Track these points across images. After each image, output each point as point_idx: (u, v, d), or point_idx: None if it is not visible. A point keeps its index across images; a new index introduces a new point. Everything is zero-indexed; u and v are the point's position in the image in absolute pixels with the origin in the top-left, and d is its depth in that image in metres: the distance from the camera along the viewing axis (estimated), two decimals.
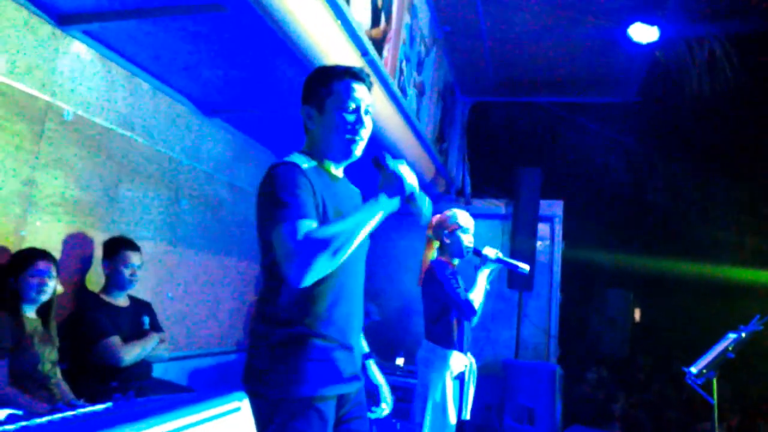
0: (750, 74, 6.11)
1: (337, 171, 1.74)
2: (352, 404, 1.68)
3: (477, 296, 2.83)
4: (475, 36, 5.14)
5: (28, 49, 2.63)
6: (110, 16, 2.69)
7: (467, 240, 2.98)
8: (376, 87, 3.52)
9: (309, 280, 1.43)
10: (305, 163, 1.60)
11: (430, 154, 5.11)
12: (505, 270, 5.74)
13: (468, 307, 2.81)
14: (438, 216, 3.06)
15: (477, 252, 2.94)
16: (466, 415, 2.91)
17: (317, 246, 1.41)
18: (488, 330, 5.57)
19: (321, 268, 1.43)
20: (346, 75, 1.66)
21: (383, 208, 1.55)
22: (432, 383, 2.83)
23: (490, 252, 2.90)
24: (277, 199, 1.47)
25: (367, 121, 1.68)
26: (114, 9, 2.66)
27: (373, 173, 1.62)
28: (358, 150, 1.68)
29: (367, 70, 3.29)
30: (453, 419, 2.78)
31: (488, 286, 2.92)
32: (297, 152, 1.68)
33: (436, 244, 3.04)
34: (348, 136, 1.64)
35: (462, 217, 3.02)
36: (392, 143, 4.05)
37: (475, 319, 2.91)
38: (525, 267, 2.89)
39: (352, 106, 1.64)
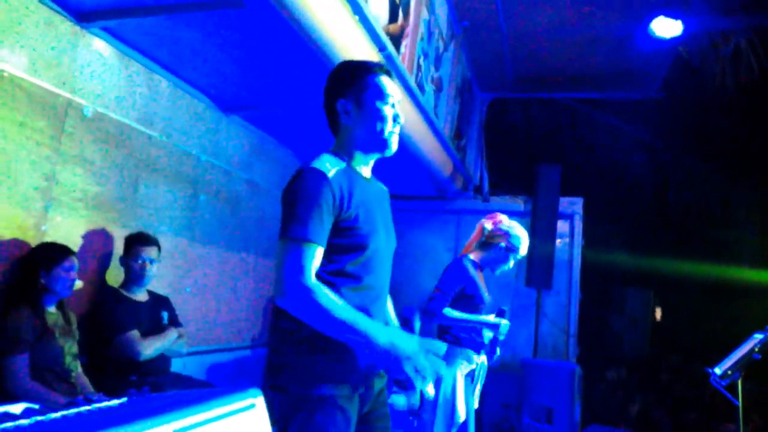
0: None
1: (366, 169, 1.75)
2: (376, 403, 1.68)
3: (453, 319, 2.79)
4: (493, 31, 5.08)
5: (48, 46, 2.66)
6: (129, 12, 2.71)
7: (509, 264, 2.95)
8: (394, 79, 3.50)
9: (290, 310, 1.48)
10: (335, 167, 1.59)
11: (448, 150, 5.07)
12: (523, 267, 5.69)
13: (435, 313, 2.79)
14: (508, 223, 2.98)
15: (501, 313, 2.84)
16: (474, 405, 2.91)
17: (306, 305, 1.43)
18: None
19: (297, 314, 1.46)
20: (381, 70, 1.70)
21: (384, 342, 1.43)
22: (443, 380, 2.82)
23: (503, 326, 2.81)
24: (294, 212, 1.49)
25: (402, 114, 1.72)
26: (133, 6, 2.68)
27: (379, 171, 1.60)
28: (395, 143, 1.71)
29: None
30: (462, 415, 2.78)
31: (484, 326, 2.85)
32: (326, 153, 1.67)
33: (486, 241, 2.98)
34: (389, 129, 1.68)
35: (524, 245, 2.95)
36: (410, 139, 4.03)
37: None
38: (497, 354, 2.85)
39: (390, 99, 1.68)
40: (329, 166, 1.58)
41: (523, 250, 2.94)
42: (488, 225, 2.98)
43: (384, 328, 1.46)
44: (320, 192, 1.51)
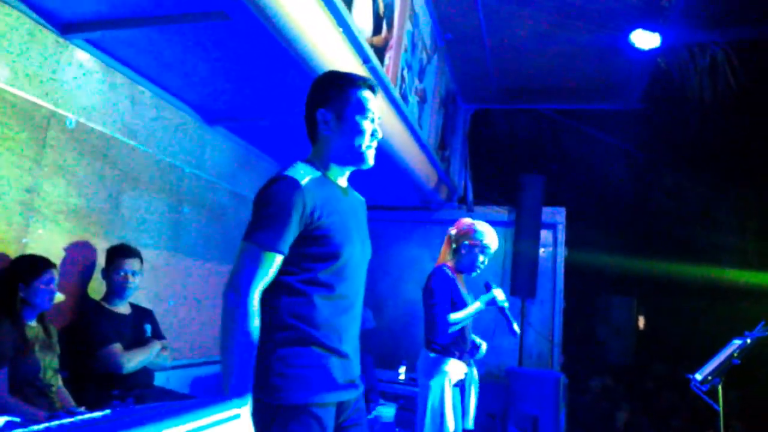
0: (752, 81, 6.10)
1: (342, 180, 1.76)
2: (351, 410, 1.68)
3: (459, 321, 2.81)
4: (476, 44, 5.15)
5: (31, 58, 2.65)
6: (113, 24, 2.70)
7: (483, 261, 2.96)
8: (378, 94, 3.52)
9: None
10: (308, 176, 1.61)
11: (432, 161, 5.11)
12: (507, 277, 5.73)
13: (442, 328, 2.79)
14: (468, 223, 3.02)
15: (488, 287, 2.91)
16: (469, 424, 2.89)
17: (229, 311, 1.46)
18: (491, 337, 5.53)
19: (222, 312, 1.48)
20: (364, 84, 1.73)
21: (232, 392, 1.41)
22: (431, 390, 2.82)
23: (499, 295, 2.88)
24: (261, 218, 1.53)
25: (380, 130, 1.74)
26: (117, 17, 2.68)
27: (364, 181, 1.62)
28: (372, 157, 1.73)
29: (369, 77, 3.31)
30: (451, 426, 2.76)
31: (482, 308, 2.89)
32: (302, 161, 1.69)
33: (454, 246, 3.01)
34: (366, 144, 1.70)
35: (489, 237, 2.97)
36: (394, 150, 4.05)
37: (466, 336, 2.92)
38: (517, 330, 2.91)
39: (371, 115, 1.70)
40: (303, 174, 1.60)
41: (490, 242, 2.96)
42: (452, 231, 3.04)
43: (246, 386, 1.43)
44: (291, 200, 1.53)
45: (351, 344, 1.68)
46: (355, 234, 1.70)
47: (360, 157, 1.71)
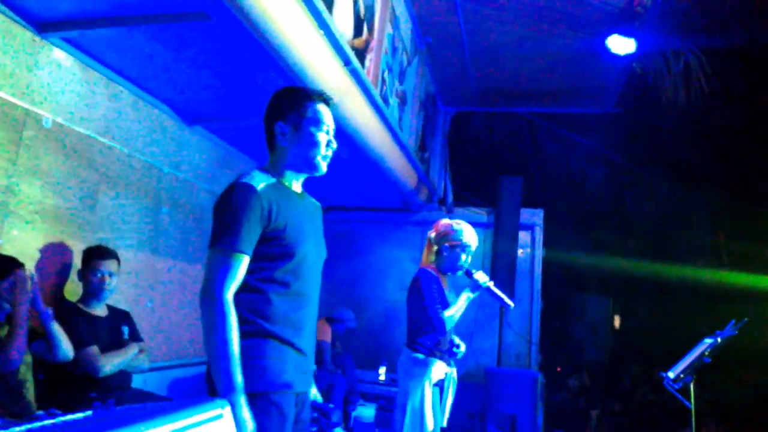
0: (722, 86, 6.26)
1: (297, 185, 1.87)
2: (303, 405, 1.80)
3: (453, 315, 2.84)
4: (456, 47, 5.19)
5: (7, 56, 2.61)
6: (91, 23, 2.68)
7: (465, 259, 2.99)
8: (359, 96, 3.54)
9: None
10: (263, 182, 1.70)
11: (412, 162, 5.14)
12: None
13: (440, 326, 2.82)
14: (446, 224, 3.03)
15: (468, 273, 2.94)
16: (442, 422, 2.92)
17: (210, 315, 1.55)
18: (470, 338, 5.58)
19: (203, 319, 1.57)
20: (320, 98, 1.84)
21: (227, 391, 1.51)
22: (411, 390, 2.83)
23: (480, 277, 2.90)
24: (224, 224, 1.62)
25: (334, 142, 1.86)
26: (95, 17, 2.65)
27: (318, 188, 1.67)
28: (324, 166, 1.84)
29: (350, 79, 3.33)
30: (431, 426, 2.78)
31: (471, 296, 2.92)
32: (257, 169, 1.79)
33: (435, 248, 3.04)
34: (321, 154, 1.81)
35: (467, 235, 2.99)
36: (374, 152, 4.07)
37: (447, 336, 2.94)
38: (510, 303, 2.93)
39: (325, 127, 1.82)
40: (258, 179, 1.70)
41: (469, 239, 2.98)
42: (432, 234, 3.07)
43: (239, 383, 1.52)
44: (249, 204, 1.62)
45: (306, 339, 1.77)
46: (311, 235, 1.81)
47: (314, 166, 1.82)
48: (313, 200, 1.98)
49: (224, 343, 1.52)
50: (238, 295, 1.63)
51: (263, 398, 1.60)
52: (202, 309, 1.57)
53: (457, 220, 3.07)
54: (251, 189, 1.65)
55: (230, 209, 1.62)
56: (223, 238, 1.60)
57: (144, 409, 0.94)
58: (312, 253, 1.79)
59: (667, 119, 7.29)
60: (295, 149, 1.79)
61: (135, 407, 0.99)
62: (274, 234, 1.67)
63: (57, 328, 2.59)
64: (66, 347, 2.65)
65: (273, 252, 1.67)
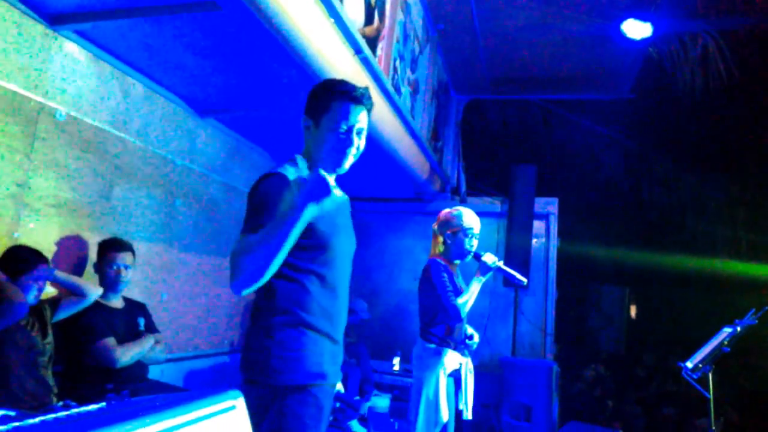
0: (741, 70, 6.12)
1: (330, 178, 1.77)
2: (331, 396, 1.79)
3: (466, 301, 2.83)
4: (468, 34, 5.13)
5: (20, 50, 2.62)
6: (102, 15, 2.68)
7: (470, 243, 2.97)
8: (370, 85, 3.51)
9: (243, 285, 1.49)
10: (298, 173, 1.68)
11: (425, 152, 5.10)
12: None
13: (454, 313, 2.80)
14: (445, 212, 3.04)
15: (477, 257, 2.92)
16: (467, 415, 2.91)
17: (245, 260, 1.46)
18: (484, 328, 5.56)
19: (248, 280, 1.47)
20: (347, 97, 1.72)
21: (300, 203, 1.47)
22: (425, 380, 2.83)
23: (489, 259, 2.88)
24: (256, 211, 1.60)
25: (357, 141, 1.75)
26: (106, 8, 2.65)
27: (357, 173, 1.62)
28: (346, 164, 1.77)
29: (361, 68, 3.30)
30: (445, 416, 2.77)
31: (483, 279, 2.90)
32: (298, 155, 1.79)
33: (440, 238, 3.03)
34: (335, 154, 1.74)
35: (467, 218, 2.98)
36: (387, 141, 4.04)
37: (462, 325, 2.93)
38: (523, 279, 2.90)
39: (344, 128, 1.72)
40: (291, 172, 1.69)
41: (469, 222, 2.97)
42: (434, 226, 3.07)
43: (292, 196, 1.46)
44: (281, 194, 1.57)
45: (339, 330, 1.78)
46: (342, 227, 1.81)
47: (332, 164, 1.75)
48: (343, 193, 1.94)
49: (268, 231, 1.46)
50: (274, 283, 1.63)
51: (302, 391, 1.61)
52: (244, 280, 1.47)
53: (457, 207, 3.08)
54: (284, 179, 1.64)
55: (261, 198, 1.61)
56: (253, 222, 1.57)
57: (157, 400, 0.93)
58: (344, 244, 1.79)
59: (684, 105, 7.16)
60: (315, 145, 1.76)
61: (148, 399, 0.99)
62: (306, 225, 1.60)
63: (65, 275, 2.67)
64: (85, 284, 2.73)
65: (307, 243, 1.65)
